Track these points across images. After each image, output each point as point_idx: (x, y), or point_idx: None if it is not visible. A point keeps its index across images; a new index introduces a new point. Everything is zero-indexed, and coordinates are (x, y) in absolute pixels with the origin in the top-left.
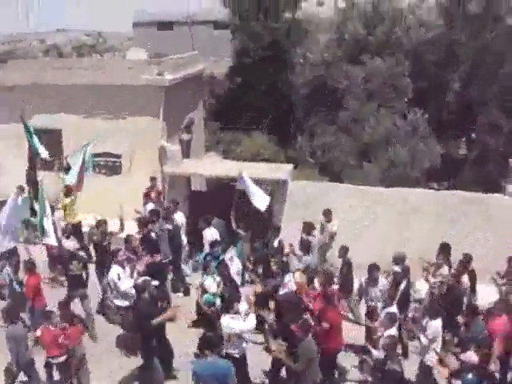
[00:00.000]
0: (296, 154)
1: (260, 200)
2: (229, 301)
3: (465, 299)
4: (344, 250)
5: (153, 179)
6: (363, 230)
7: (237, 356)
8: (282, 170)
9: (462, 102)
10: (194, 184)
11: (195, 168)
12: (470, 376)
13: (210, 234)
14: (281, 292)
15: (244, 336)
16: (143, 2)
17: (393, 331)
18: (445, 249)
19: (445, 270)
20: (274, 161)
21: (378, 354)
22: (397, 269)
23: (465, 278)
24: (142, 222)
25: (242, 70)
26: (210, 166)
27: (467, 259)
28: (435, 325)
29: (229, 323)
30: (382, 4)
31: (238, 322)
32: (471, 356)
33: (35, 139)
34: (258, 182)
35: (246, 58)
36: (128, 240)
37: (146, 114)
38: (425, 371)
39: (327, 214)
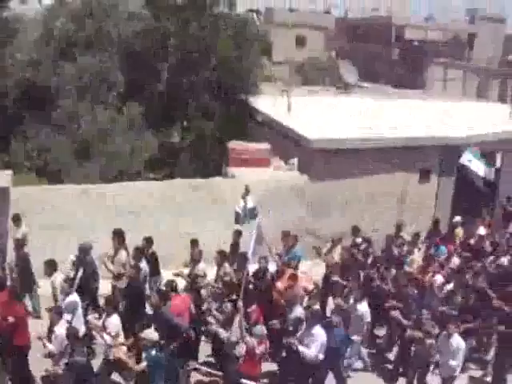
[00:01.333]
0: (11, 159)
1: None
2: None
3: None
4: (20, 242)
5: None
6: (89, 228)
7: None
8: (2, 177)
9: (172, 91)
10: None
11: None
12: (153, 352)
13: None
14: None
15: None
16: None
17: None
18: (119, 235)
19: (122, 256)
20: None
21: (52, 347)
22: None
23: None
24: None
25: None
26: None
27: (148, 242)
28: (114, 321)
29: None
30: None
31: None
32: (151, 333)
33: None
34: None
35: None
36: None
37: None
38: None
39: (15, 219)
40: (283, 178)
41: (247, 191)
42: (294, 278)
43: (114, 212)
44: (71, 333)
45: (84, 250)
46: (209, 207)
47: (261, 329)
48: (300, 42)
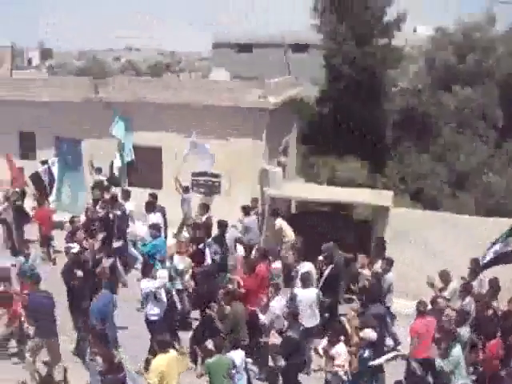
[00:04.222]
0: (385, 180)
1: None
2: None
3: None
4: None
5: (254, 200)
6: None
7: (155, 318)
8: (384, 197)
9: None
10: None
11: (298, 192)
12: (366, 352)
13: (155, 217)
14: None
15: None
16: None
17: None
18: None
19: (378, 265)
20: (367, 186)
21: (263, 318)
22: None
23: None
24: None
25: (334, 94)
26: (315, 191)
27: None
28: (341, 350)
29: (144, 285)
30: (473, 33)
31: (149, 282)
32: (369, 333)
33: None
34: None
35: (338, 82)
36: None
37: (248, 135)
38: None
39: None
40: None
41: None
42: None
43: (475, 245)
44: (291, 312)
45: (330, 250)
46: None
47: None
48: None
